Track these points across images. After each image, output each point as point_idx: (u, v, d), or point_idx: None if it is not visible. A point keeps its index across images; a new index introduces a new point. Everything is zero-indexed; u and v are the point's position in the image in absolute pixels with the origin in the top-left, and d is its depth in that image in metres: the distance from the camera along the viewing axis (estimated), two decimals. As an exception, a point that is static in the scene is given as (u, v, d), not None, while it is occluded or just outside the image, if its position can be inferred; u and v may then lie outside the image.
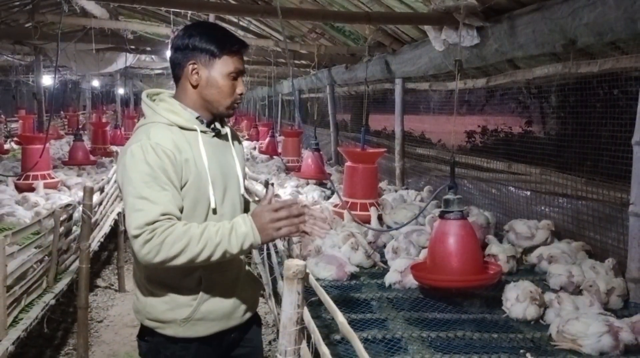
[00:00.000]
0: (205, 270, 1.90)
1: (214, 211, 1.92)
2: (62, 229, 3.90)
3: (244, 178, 2.13)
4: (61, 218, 3.84)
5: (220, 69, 1.90)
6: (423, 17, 4.66)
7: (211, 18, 6.00)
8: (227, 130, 2.04)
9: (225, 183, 1.97)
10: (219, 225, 1.78)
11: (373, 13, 4.67)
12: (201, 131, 1.92)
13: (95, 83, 21.72)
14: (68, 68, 12.14)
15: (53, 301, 3.53)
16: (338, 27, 7.00)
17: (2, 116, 16.30)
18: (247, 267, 2.18)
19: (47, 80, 15.39)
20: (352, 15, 5.03)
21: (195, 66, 1.90)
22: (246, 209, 2.18)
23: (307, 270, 2.02)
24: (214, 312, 1.96)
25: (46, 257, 3.74)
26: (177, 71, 1.95)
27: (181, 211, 1.83)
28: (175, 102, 1.95)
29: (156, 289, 1.94)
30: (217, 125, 2.00)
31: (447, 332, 2.76)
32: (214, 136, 1.99)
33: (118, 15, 7.74)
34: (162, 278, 1.93)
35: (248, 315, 2.09)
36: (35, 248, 3.65)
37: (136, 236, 1.72)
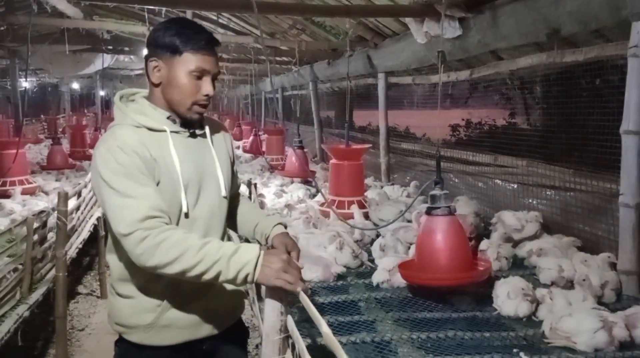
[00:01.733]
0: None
1: (186, 215, 1.82)
2: (36, 237, 3.76)
3: (233, 177, 2.03)
4: (35, 226, 3.70)
5: (181, 67, 1.78)
6: (404, 10, 4.58)
7: (188, 15, 5.87)
8: (205, 130, 1.93)
9: (200, 185, 1.86)
10: (224, 243, 1.68)
11: (353, 6, 4.57)
12: (172, 132, 1.82)
13: (75, 85, 21.45)
14: (45, 71, 11.90)
15: (27, 313, 3.38)
16: (319, 22, 6.91)
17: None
18: None
19: (24, 83, 15.19)
20: (331, 9, 4.93)
21: (156, 63, 1.80)
22: (232, 209, 2.08)
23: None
24: (181, 320, 1.85)
25: (20, 266, 3.60)
26: (145, 69, 1.86)
27: None
28: (145, 103, 1.86)
29: (124, 290, 1.86)
30: (195, 125, 1.89)
31: (438, 332, 2.67)
32: (189, 136, 1.88)
33: (93, 15, 7.56)
34: (131, 279, 1.84)
35: (226, 324, 1.98)
36: (8, 256, 3.50)
37: (127, 235, 1.63)
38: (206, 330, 1.91)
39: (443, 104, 6.11)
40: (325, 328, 1.66)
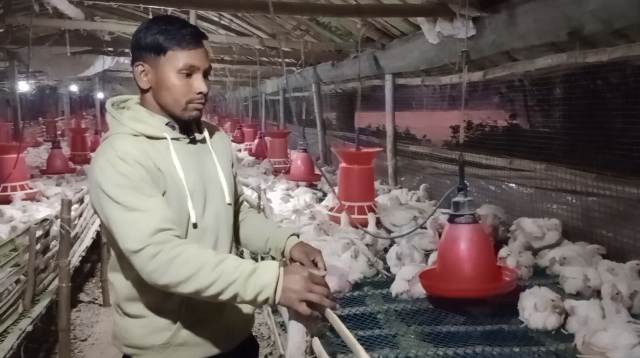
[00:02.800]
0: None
1: (194, 226, 1.70)
2: (38, 246, 3.62)
3: (234, 183, 1.91)
4: (37, 235, 3.56)
5: (168, 66, 1.65)
6: (416, 9, 4.45)
7: (192, 15, 5.73)
8: (204, 135, 1.81)
9: (205, 193, 1.74)
10: (242, 261, 1.53)
11: (363, 6, 4.44)
12: (172, 139, 1.70)
13: (74, 88, 21.27)
14: (44, 73, 11.75)
15: (30, 328, 3.24)
16: (324, 23, 6.77)
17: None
18: None
19: (23, 86, 15.02)
20: (341, 8, 4.79)
21: (143, 68, 1.67)
22: (236, 215, 1.95)
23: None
24: (196, 337, 1.73)
25: (22, 276, 3.45)
26: (133, 76, 1.72)
27: None
28: (141, 109, 1.73)
29: (134, 310, 1.72)
30: (194, 130, 1.78)
31: (465, 347, 2.54)
32: (189, 142, 1.76)
33: (94, 16, 7.43)
34: (141, 298, 1.70)
35: (239, 340, 1.87)
36: (11, 267, 3.36)
37: (138, 251, 1.51)
38: (221, 346, 1.79)
39: (441, 105, 5.99)
40: (364, 356, 1.52)
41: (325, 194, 6.19)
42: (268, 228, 2.00)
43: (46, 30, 7.66)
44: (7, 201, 5.96)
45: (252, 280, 1.49)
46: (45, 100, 23.38)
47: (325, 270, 1.77)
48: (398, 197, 5.41)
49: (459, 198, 2.85)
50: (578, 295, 3.08)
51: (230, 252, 1.85)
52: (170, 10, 5.08)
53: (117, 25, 7.11)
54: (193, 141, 1.77)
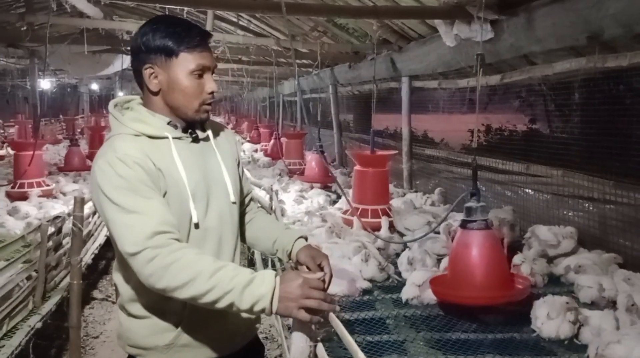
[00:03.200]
0: None
1: (196, 226, 1.69)
2: (50, 243, 3.63)
3: (240, 182, 1.90)
4: (49, 231, 3.57)
5: (180, 68, 1.66)
6: (434, 11, 4.40)
7: (209, 16, 5.74)
8: (207, 133, 1.80)
9: (208, 193, 1.73)
10: (239, 270, 1.52)
11: (380, 7, 4.40)
12: (175, 138, 1.70)
13: (95, 86, 21.50)
14: (64, 71, 11.87)
15: (40, 325, 3.25)
16: (341, 24, 6.75)
17: (-1, 121, 16.09)
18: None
19: (44, 84, 15.20)
20: (358, 10, 4.76)
21: (152, 70, 1.67)
22: (243, 215, 1.95)
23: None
24: (199, 339, 1.73)
25: (34, 273, 3.46)
26: (137, 78, 1.72)
27: None
28: (143, 110, 1.73)
29: (138, 311, 1.72)
30: (197, 130, 1.77)
31: (474, 355, 2.50)
32: (192, 141, 1.75)
33: (113, 16, 7.48)
34: (144, 299, 1.70)
35: (244, 342, 1.86)
36: (22, 263, 3.37)
37: (135, 254, 1.51)
38: (225, 348, 1.79)
39: (459, 109, 5.92)
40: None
41: (339, 197, 6.15)
42: (276, 229, 1.98)
43: (69, 29, 7.73)
44: (24, 197, 6.02)
45: (248, 290, 1.48)
46: (67, 98, 23.65)
47: (331, 275, 1.75)
48: (412, 201, 5.37)
49: (472, 203, 2.80)
50: (593, 305, 3.01)
51: (235, 252, 1.84)
52: (186, 10, 5.09)
53: (136, 24, 7.13)
54: (196, 140, 1.76)
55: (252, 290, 1.48)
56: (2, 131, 15.18)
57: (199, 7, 5.11)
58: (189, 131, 1.75)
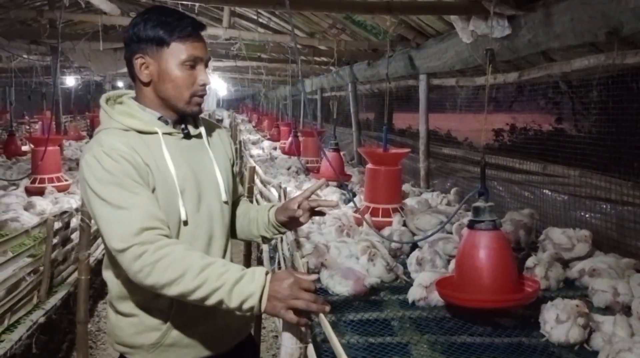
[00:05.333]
0: None
1: (185, 223, 1.67)
2: (57, 239, 3.63)
3: (232, 181, 1.88)
4: (57, 226, 3.58)
5: (171, 59, 1.63)
6: (449, 7, 4.30)
7: (225, 13, 5.72)
8: (200, 130, 1.78)
9: (199, 190, 1.71)
10: (229, 266, 1.50)
11: (394, 3, 4.31)
12: (164, 133, 1.67)
13: (120, 84, 21.67)
14: (87, 68, 11.99)
15: (43, 320, 3.25)
16: (359, 21, 6.67)
17: (25, 117, 16.32)
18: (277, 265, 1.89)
19: (69, 81, 15.39)
20: (371, 6, 4.68)
21: (143, 60, 1.65)
22: (233, 215, 1.91)
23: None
24: (187, 338, 1.71)
25: (41, 267, 3.47)
26: (129, 70, 1.70)
27: None
28: (133, 104, 1.71)
29: (125, 309, 1.70)
30: (189, 125, 1.75)
31: (479, 360, 2.42)
32: (183, 137, 1.73)
33: (130, 12, 7.51)
34: (132, 297, 1.68)
35: (235, 341, 1.83)
36: (28, 257, 3.38)
37: (122, 251, 1.49)
38: (214, 348, 1.76)
39: (491, 106, 5.80)
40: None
41: (354, 195, 6.08)
42: (253, 212, 1.95)
43: (92, 27, 7.78)
44: (41, 192, 6.08)
45: (237, 288, 1.46)
46: (93, 95, 23.91)
47: (318, 187, 1.83)
48: (428, 200, 5.27)
49: (479, 203, 2.72)
50: (607, 310, 2.91)
51: (226, 251, 1.81)
52: (197, 5, 5.07)
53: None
54: (187, 136, 1.74)
55: (241, 287, 1.46)
56: (27, 127, 15.41)
57: (211, 4, 5.09)
58: (181, 127, 1.73)
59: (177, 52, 1.63)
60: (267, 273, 1.49)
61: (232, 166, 1.90)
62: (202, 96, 1.71)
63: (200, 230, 1.70)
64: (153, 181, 1.61)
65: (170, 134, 1.69)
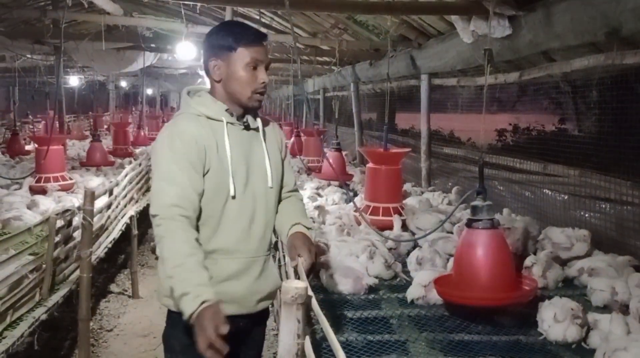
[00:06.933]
0: (216, 253, 1.99)
1: (233, 197, 1.98)
2: (59, 237, 3.66)
3: (284, 172, 2.17)
4: (59, 225, 3.61)
5: (237, 61, 1.98)
6: (449, 7, 4.31)
7: (227, 12, 5.74)
8: (258, 124, 2.09)
9: (248, 173, 2.02)
10: (193, 274, 1.78)
11: (395, 3, 4.33)
12: (228, 122, 2.01)
13: (123, 83, 21.75)
14: (91, 68, 12.03)
15: (44, 317, 3.28)
16: (361, 21, 6.68)
17: (29, 116, 16.37)
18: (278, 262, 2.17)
19: (72, 80, 15.43)
20: (371, 6, 4.69)
21: (216, 62, 2.01)
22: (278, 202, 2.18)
23: (310, 293, 1.74)
24: (228, 294, 1.96)
25: (43, 265, 3.50)
26: (206, 70, 2.07)
27: (201, 195, 1.93)
28: (208, 96, 2.06)
29: None
30: (249, 119, 2.07)
31: (476, 357, 2.43)
32: (243, 128, 2.05)
33: (132, 12, 7.53)
34: None
35: (261, 305, 2.12)
36: (30, 255, 3.41)
37: (152, 216, 1.88)
38: (248, 307, 2.06)
39: (489, 108, 5.81)
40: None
41: (355, 194, 6.10)
42: (283, 216, 2.18)
43: (96, 27, 7.80)
44: (44, 191, 6.10)
45: (182, 300, 1.74)
46: (97, 95, 23.98)
47: (312, 264, 2.00)
48: (429, 200, 5.28)
49: (477, 202, 2.73)
50: (605, 308, 2.92)
51: (265, 231, 2.08)
52: (199, 5, 5.10)
53: (155, 21, 7.17)
54: (247, 128, 2.06)
55: (184, 301, 1.73)
56: (31, 127, 15.45)
57: (212, 3, 5.11)
58: (243, 119, 2.05)
59: (242, 56, 1.97)
60: (203, 303, 1.69)
61: (283, 159, 2.19)
62: (262, 93, 2.03)
63: (243, 205, 2.00)
64: (210, 159, 1.94)
65: (233, 124, 2.02)
